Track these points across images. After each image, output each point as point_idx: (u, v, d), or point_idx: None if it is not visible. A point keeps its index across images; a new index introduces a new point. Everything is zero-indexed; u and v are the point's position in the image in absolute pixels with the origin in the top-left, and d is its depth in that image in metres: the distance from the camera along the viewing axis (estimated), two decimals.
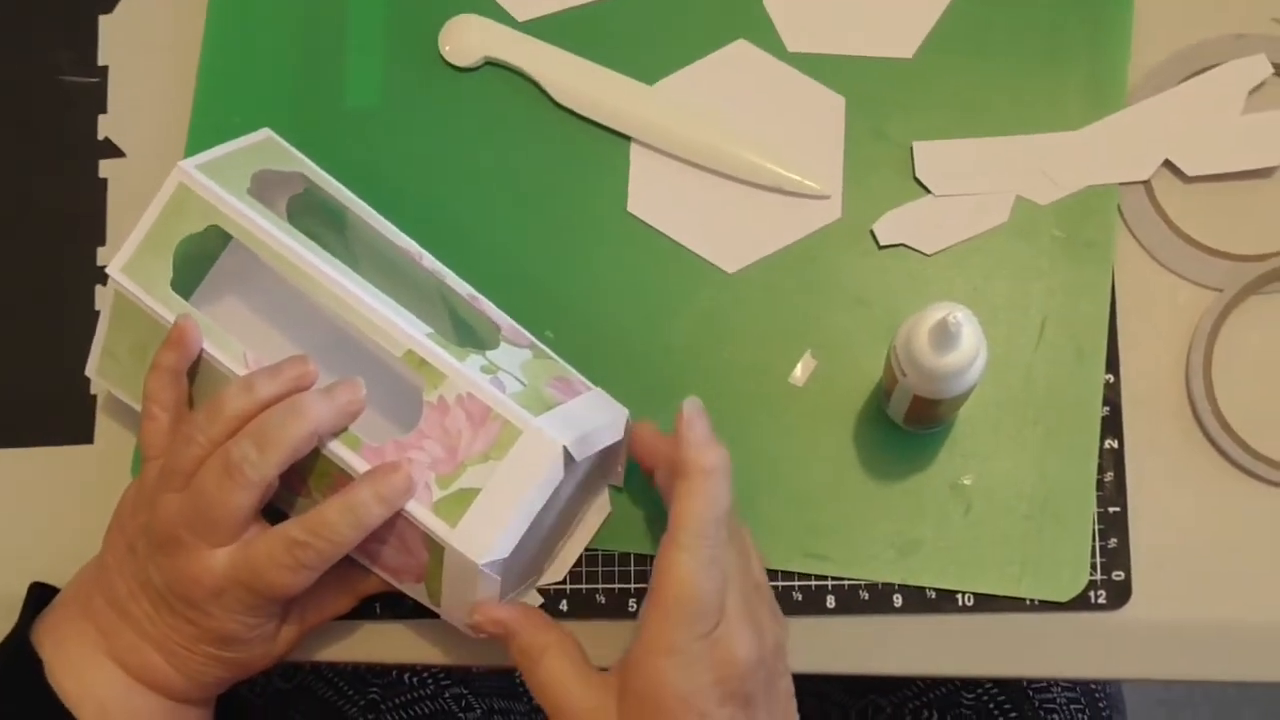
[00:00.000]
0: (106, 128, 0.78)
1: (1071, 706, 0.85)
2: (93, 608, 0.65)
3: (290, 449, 0.60)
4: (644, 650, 0.57)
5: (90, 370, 0.70)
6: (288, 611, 0.67)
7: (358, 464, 0.62)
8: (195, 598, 0.62)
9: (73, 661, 0.65)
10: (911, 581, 0.68)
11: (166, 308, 0.65)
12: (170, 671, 0.65)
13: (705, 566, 0.57)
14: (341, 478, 0.62)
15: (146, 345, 0.66)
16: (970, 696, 0.84)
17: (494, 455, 0.61)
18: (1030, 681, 0.84)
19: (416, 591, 0.66)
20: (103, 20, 0.79)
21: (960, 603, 0.68)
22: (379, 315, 0.62)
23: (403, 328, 0.62)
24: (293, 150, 0.72)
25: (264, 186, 0.68)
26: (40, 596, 0.69)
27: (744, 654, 0.57)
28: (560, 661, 0.61)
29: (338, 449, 0.62)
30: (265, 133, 0.72)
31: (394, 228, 0.70)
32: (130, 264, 0.65)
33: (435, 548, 0.61)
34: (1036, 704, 0.84)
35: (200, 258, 0.70)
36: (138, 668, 0.64)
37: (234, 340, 0.65)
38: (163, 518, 0.62)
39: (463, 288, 0.69)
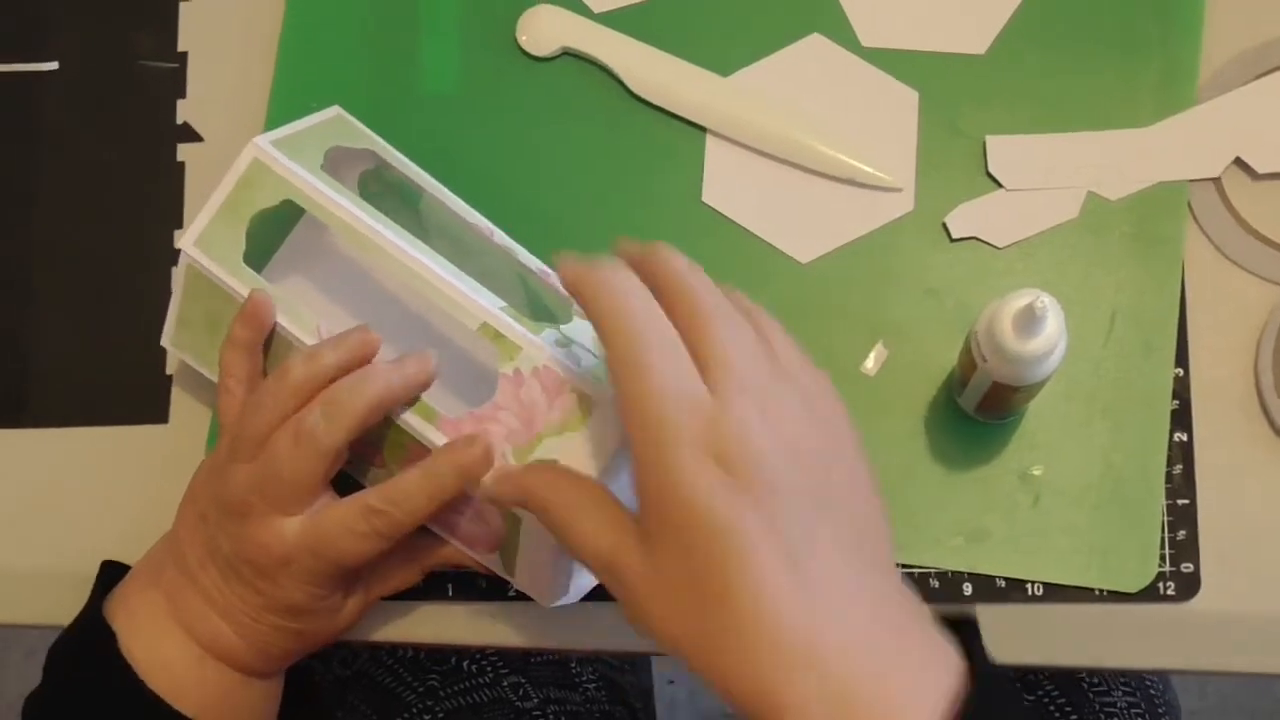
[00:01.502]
0: (185, 112, 0.79)
1: (1131, 711, 0.85)
2: (163, 578, 0.66)
3: (359, 417, 0.61)
4: (639, 466, 0.52)
5: (165, 341, 0.71)
6: (353, 584, 0.67)
7: (434, 436, 0.62)
8: (264, 565, 0.63)
9: (144, 631, 0.65)
10: (980, 570, 0.68)
11: (238, 281, 0.65)
12: (237, 641, 0.65)
13: (649, 364, 0.52)
14: (416, 449, 0.63)
15: (219, 317, 0.67)
16: (1031, 698, 0.84)
17: (570, 427, 0.61)
18: (1091, 684, 0.84)
19: (490, 561, 0.66)
20: (183, 7, 0.80)
21: (1029, 592, 0.68)
22: (453, 289, 0.63)
23: (478, 301, 0.62)
24: (363, 127, 0.72)
25: (335, 163, 0.69)
26: (111, 574, 0.70)
27: (750, 433, 0.51)
28: (588, 514, 0.54)
29: (413, 421, 0.62)
30: (335, 110, 0.72)
31: (464, 204, 0.71)
32: (203, 237, 0.66)
33: (512, 518, 0.62)
34: (1097, 707, 0.84)
35: (272, 233, 0.70)
36: (206, 637, 0.65)
37: (306, 312, 0.65)
38: (234, 486, 0.62)
39: (533, 263, 0.70)
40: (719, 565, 0.49)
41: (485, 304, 0.62)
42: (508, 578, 0.66)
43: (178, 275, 0.68)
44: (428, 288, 0.63)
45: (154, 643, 0.65)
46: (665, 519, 0.51)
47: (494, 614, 0.72)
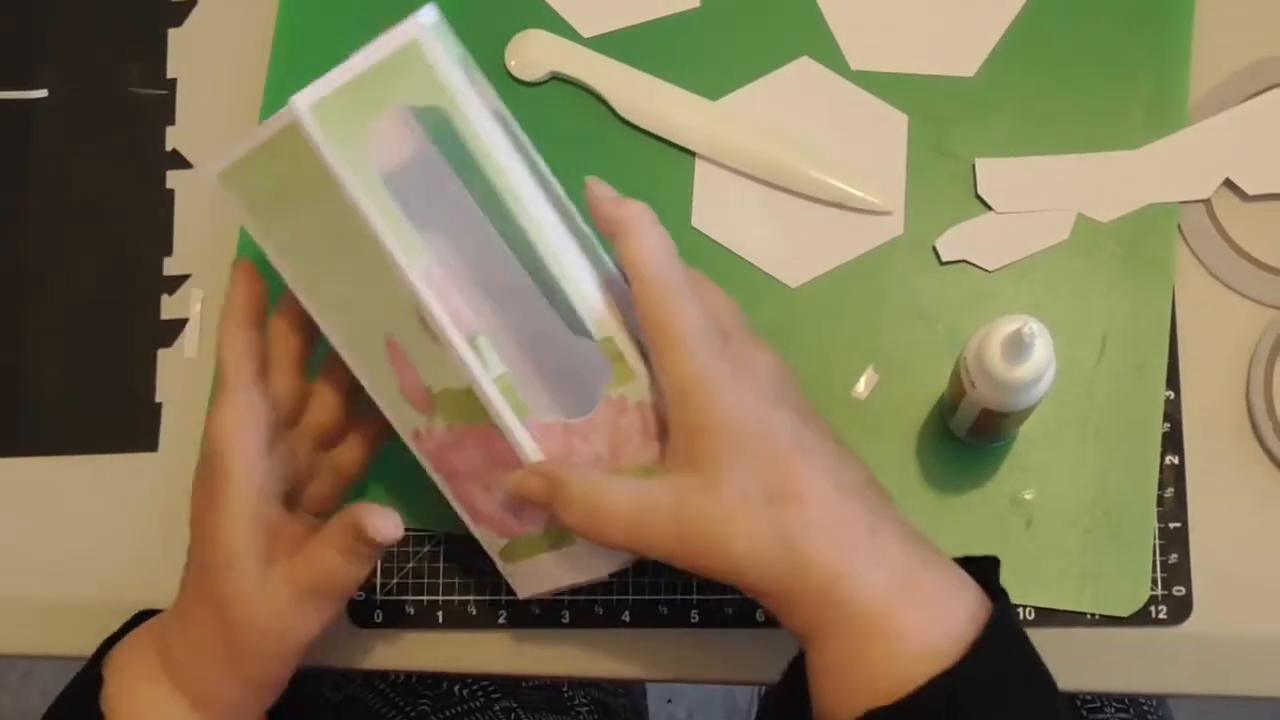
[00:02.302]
0: (174, 139, 0.79)
1: None
2: (162, 621, 0.66)
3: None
4: (678, 396, 0.55)
5: (216, 169, 0.62)
6: (280, 583, 0.62)
7: (520, 435, 0.58)
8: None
9: (128, 680, 0.64)
10: None
11: (351, 170, 0.55)
12: (217, 677, 0.63)
13: (682, 291, 0.56)
14: (487, 428, 0.59)
15: (293, 189, 0.58)
16: None
17: (651, 474, 0.58)
18: (1084, 701, 0.84)
19: (491, 543, 0.65)
20: (172, 34, 0.81)
21: (1021, 616, 0.68)
22: (592, 294, 0.58)
23: (605, 308, 0.58)
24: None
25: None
26: (141, 621, 0.68)
27: (769, 362, 0.57)
28: (618, 488, 0.56)
29: (500, 406, 0.58)
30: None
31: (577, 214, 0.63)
32: (323, 104, 0.55)
33: (562, 534, 0.61)
34: None
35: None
36: (188, 683, 0.63)
37: (420, 244, 0.56)
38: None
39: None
40: (787, 468, 0.54)
41: (612, 316, 0.58)
42: (500, 561, 0.65)
43: (268, 126, 0.57)
44: (560, 275, 0.57)
45: (134, 693, 0.64)
46: (728, 442, 0.54)
47: (484, 642, 0.71)
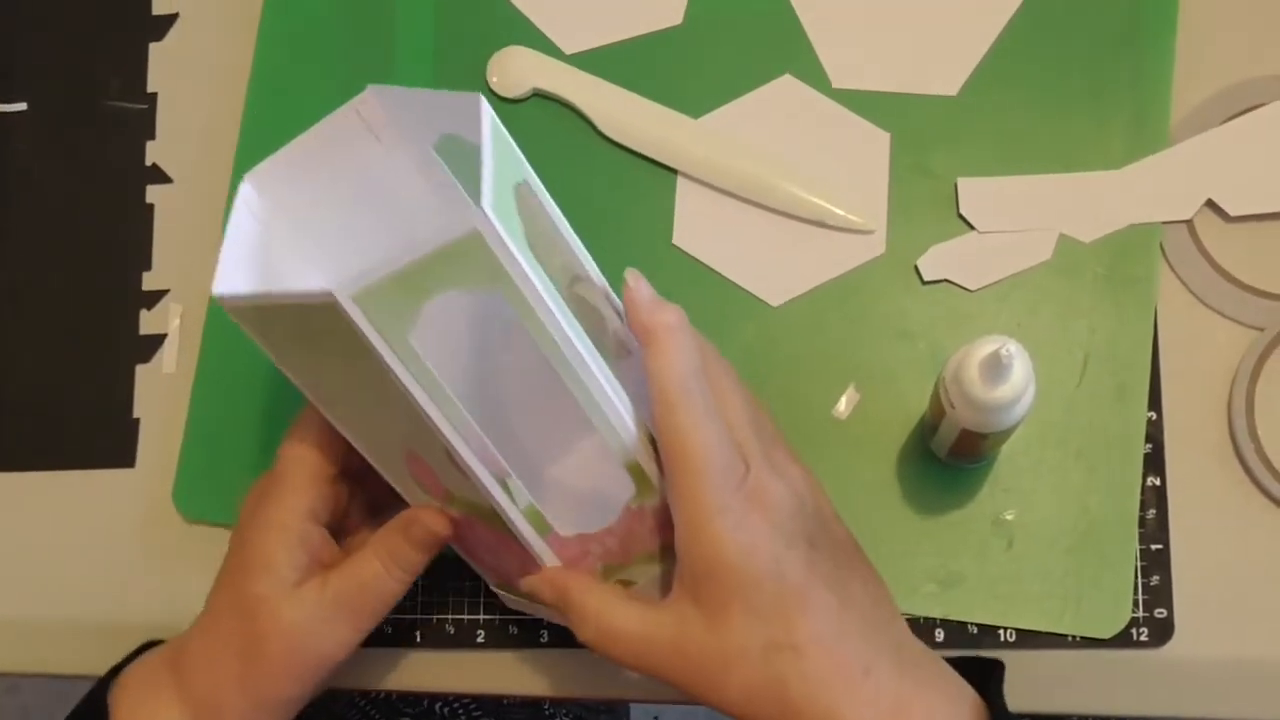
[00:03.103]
0: (154, 154, 0.79)
1: None
2: (176, 639, 0.65)
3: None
4: (691, 530, 0.55)
5: (220, 291, 0.55)
6: (312, 595, 0.63)
7: (541, 549, 0.59)
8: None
9: (134, 696, 0.64)
10: (953, 616, 0.68)
11: (393, 350, 0.52)
12: (231, 697, 0.63)
13: (706, 417, 0.55)
14: (507, 535, 0.59)
15: (314, 338, 0.55)
16: None
17: (657, 560, 0.60)
18: None
19: (488, 578, 0.66)
20: (153, 48, 0.80)
21: (1002, 638, 0.68)
22: (624, 427, 0.57)
23: (633, 438, 0.57)
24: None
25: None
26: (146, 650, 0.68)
27: (781, 493, 0.55)
28: (629, 610, 0.57)
29: (521, 524, 0.58)
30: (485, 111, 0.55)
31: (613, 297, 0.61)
32: (369, 293, 0.51)
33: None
34: None
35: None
36: (202, 700, 0.63)
37: (457, 401, 0.54)
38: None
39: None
40: (790, 619, 0.54)
41: (641, 441, 0.58)
42: (508, 595, 0.65)
43: (289, 289, 0.53)
44: (591, 406, 0.56)
45: (140, 704, 0.63)
46: (735, 589, 0.54)
47: (463, 662, 0.71)
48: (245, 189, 0.57)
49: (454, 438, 0.55)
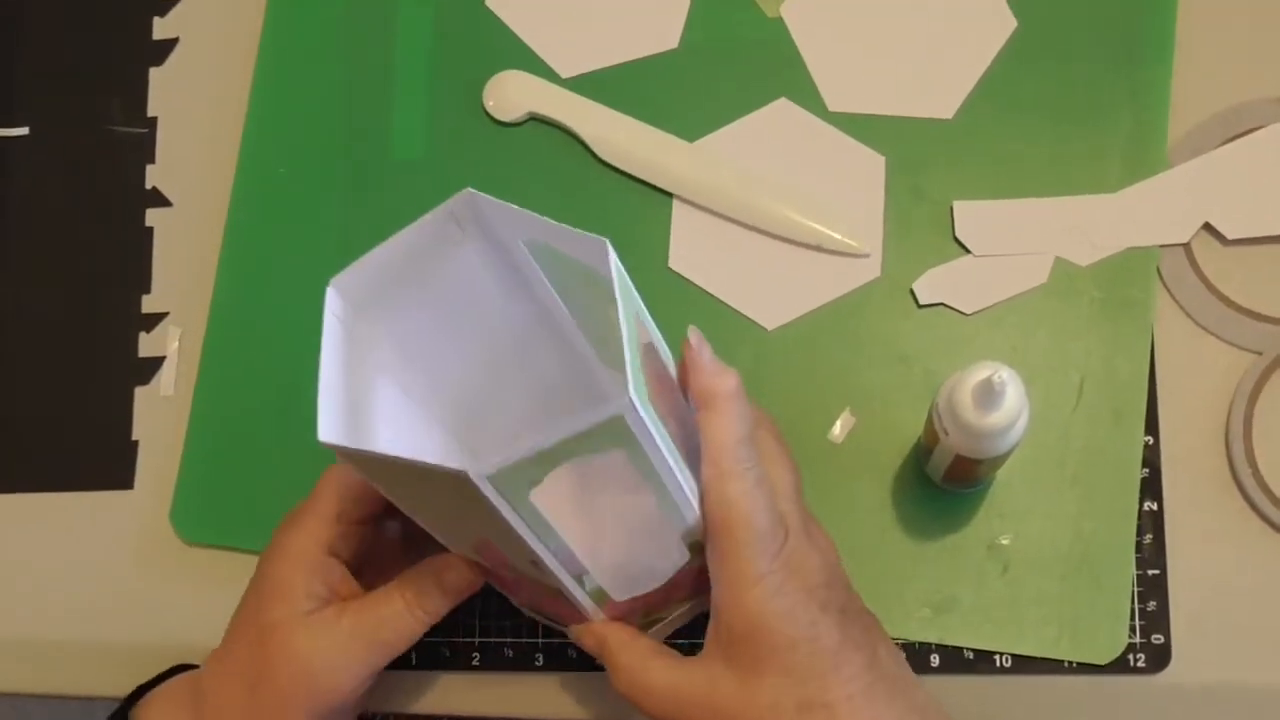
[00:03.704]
0: (154, 177, 0.79)
1: None
2: (200, 669, 0.65)
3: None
4: (732, 593, 0.56)
5: (328, 439, 0.53)
6: (324, 624, 0.62)
7: (594, 614, 0.61)
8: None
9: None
10: (948, 641, 0.68)
11: (519, 518, 0.54)
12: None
13: (755, 488, 0.56)
14: (556, 594, 0.60)
15: (424, 480, 0.54)
16: None
17: (690, 598, 0.63)
18: None
19: (529, 608, 0.67)
20: (153, 73, 0.81)
21: (998, 663, 0.67)
22: (690, 510, 0.57)
23: (694, 521, 0.58)
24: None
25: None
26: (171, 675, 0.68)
27: (817, 562, 0.57)
28: (660, 665, 0.59)
29: (587, 604, 0.60)
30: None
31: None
32: (504, 473, 0.51)
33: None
34: None
35: None
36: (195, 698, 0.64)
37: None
38: None
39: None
40: (823, 680, 0.56)
41: (699, 521, 0.58)
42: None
43: (406, 454, 0.52)
44: (669, 506, 0.57)
45: None
46: (770, 651, 0.56)
47: (459, 684, 0.71)
48: (333, 297, 0.57)
49: (551, 562, 0.57)
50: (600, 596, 0.60)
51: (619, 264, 0.55)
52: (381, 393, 0.61)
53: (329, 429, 0.53)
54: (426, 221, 0.58)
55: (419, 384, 0.64)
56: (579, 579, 0.59)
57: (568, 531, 0.56)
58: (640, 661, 0.60)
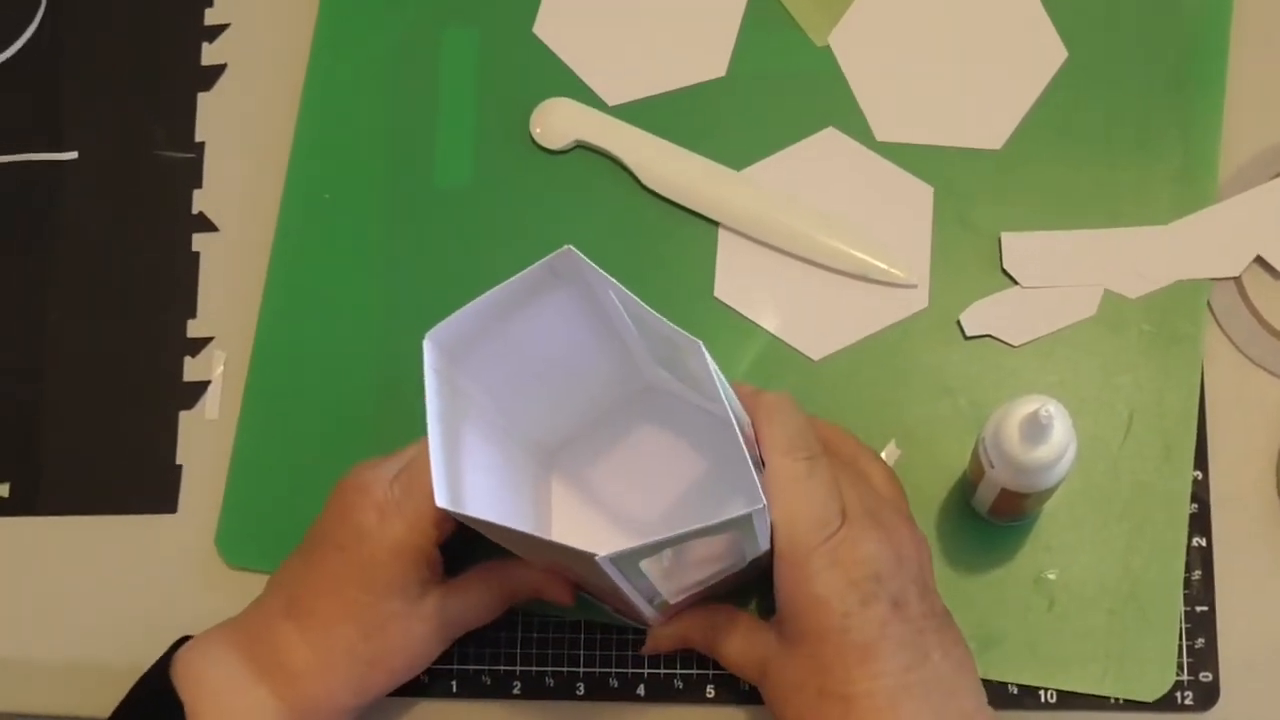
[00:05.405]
0: (201, 202, 0.80)
1: None
2: (239, 623, 0.66)
3: None
4: (779, 575, 0.59)
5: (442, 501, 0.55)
6: (432, 611, 0.66)
7: (653, 618, 0.65)
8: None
9: (217, 695, 0.64)
10: (993, 676, 0.67)
11: (626, 580, 0.58)
12: (312, 683, 0.64)
13: (807, 474, 0.59)
14: (619, 596, 0.61)
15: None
16: None
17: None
18: None
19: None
20: (201, 97, 0.81)
21: (1043, 699, 0.67)
22: (764, 534, 0.60)
23: (768, 539, 0.60)
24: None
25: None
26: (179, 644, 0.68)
27: (872, 551, 0.58)
28: (732, 639, 0.64)
29: (649, 613, 0.63)
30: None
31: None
32: (623, 556, 0.54)
33: None
34: None
35: None
36: (273, 668, 0.64)
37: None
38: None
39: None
40: (847, 672, 0.57)
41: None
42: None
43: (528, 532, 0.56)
44: (750, 539, 0.59)
45: (228, 707, 0.64)
46: (806, 631, 0.58)
47: (503, 713, 0.71)
48: (430, 349, 0.59)
49: (633, 594, 0.60)
50: (664, 606, 0.63)
51: (714, 363, 0.58)
52: (472, 432, 0.63)
53: (443, 494, 0.55)
54: (525, 276, 0.59)
55: (504, 417, 0.66)
56: (651, 601, 0.62)
57: (657, 577, 0.61)
58: (715, 634, 0.64)
